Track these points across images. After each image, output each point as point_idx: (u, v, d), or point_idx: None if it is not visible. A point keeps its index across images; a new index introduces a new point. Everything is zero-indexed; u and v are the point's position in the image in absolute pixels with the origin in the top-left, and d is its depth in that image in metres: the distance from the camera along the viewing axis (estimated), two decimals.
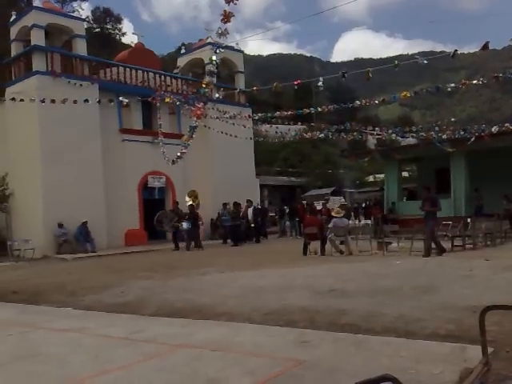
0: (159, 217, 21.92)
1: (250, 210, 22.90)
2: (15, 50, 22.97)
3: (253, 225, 23.04)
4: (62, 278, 12.58)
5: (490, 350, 3.50)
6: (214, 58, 13.90)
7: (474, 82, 14.79)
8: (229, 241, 21.98)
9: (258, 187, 30.33)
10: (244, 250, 18.97)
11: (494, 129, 19.13)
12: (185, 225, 20.37)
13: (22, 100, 16.73)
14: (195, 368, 4.76)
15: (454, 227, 16.37)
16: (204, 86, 14.82)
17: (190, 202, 21.43)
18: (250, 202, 23.36)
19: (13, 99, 17.16)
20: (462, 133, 20.12)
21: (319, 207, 25.98)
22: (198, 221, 20.80)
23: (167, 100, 18.37)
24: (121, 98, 18.10)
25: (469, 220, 17.63)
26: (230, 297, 8.45)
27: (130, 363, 5.05)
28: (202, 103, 15.32)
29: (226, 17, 11.33)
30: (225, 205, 23.10)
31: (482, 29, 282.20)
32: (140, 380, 4.50)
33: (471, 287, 8.04)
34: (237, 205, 22.48)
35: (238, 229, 21.95)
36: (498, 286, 7.93)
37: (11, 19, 22.98)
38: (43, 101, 16.85)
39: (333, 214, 16.67)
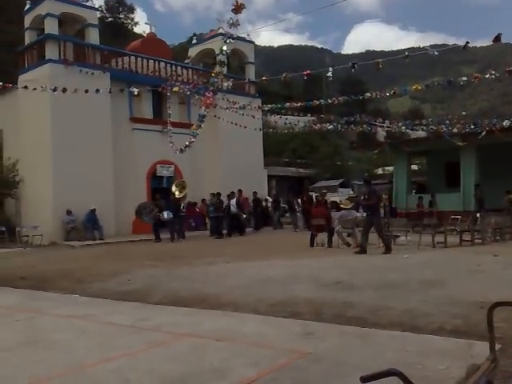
0: (139, 208, 20.79)
1: (233, 202, 22.00)
2: (29, 38, 23.06)
3: (245, 216, 22.59)
4: (70, 265, 12.64)
5: (497, 346, 3.46)
6: (224, 47, 13.87)
7: (487, 75, 14.60)
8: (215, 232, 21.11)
9: (265, 178, 30.28)
10: (246, 241, 18.89)
11: (506, 123, 18.93)
12: (165, 214, 19.77)
13: (34, 89, 16.73)
14: (200, 357, 4.76)
15: (463, 222, 16.28)
16: (214, 75, 14.79)
17: (177, 193, 20.72)
18: (232, 194, 22.45)
19: (25, 87, 17.18)
20: (472, 127, 19.95)
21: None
22: (181, 211, 20.30)
23: (175, 89, 18.32)
24: (131, 89, 18.12)
25: (478, 215, 17.52)
26: (235, 287, 8.45)
27: (135, 351, 5.05)
28: (211, 93, 15.30)
29: (237, 8, 11.30)
30: (213, 194, 22.31)
31: (496, 22, 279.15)
32: (144, 368, 4.51)
33: (479, 282, 7.99)
34: (219, 195, 21.71)
35: (221, 220, 21.30)
36: (506, 282, 7.87)
37: (25, 8, 23.10)
38: (55, 89, 16.87)
39: (341, 205, 16.62)
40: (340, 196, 29.39)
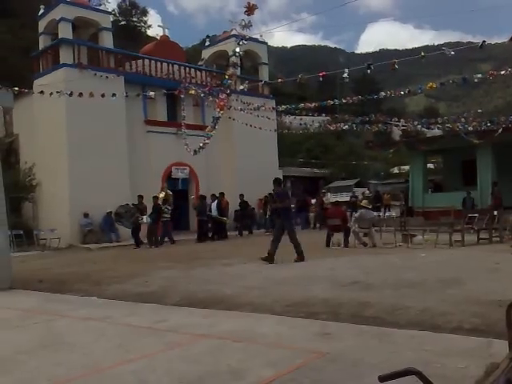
0: (118, 211, 19.92)
1: (214, 205, 21.26)
2: (43, 43, 23.34)
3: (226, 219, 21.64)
4: (87, 268, 12.75)
5: None
6: (237, 49, 13.90)
7: (502, 72, 14.45)
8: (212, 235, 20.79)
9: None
10: (259, 242, 18.81)
11: None
12: (145, 219, 19.25)
13: (51, 94, 16.89)
14: (217, 358, 4.77)
15: (481, 220, 16.12)
16: (227, 77, 14.83)
17: (161, 195, 20.20)
18: (214, 196, 21.81)
19: (41, 92, 17.36)
20: (488, 124, 19.75)
21: (313, 200, 25.61)
22: (163, 216, 19.55)
23: (191, 92, 18.41)
24: (147, 93, 18.22)
25: (495, 213, 17.32)
26: (252, 288, 8.44)
27: (153, 352, 5.07)
28: (225, 95, 15.34)
29: (250, 9, 11.33)
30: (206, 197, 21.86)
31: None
32: (163, 369, 4.52)
33: (497, 281, 7.90)
34: (202, 198, 21.42)
35: (204, 224, 20.75)
36: None
37: (39, 13, 23.36)
38: (71, 94, 17.04)
39: (362, 204, 16.60)
40: (340, 197, 29.07)
